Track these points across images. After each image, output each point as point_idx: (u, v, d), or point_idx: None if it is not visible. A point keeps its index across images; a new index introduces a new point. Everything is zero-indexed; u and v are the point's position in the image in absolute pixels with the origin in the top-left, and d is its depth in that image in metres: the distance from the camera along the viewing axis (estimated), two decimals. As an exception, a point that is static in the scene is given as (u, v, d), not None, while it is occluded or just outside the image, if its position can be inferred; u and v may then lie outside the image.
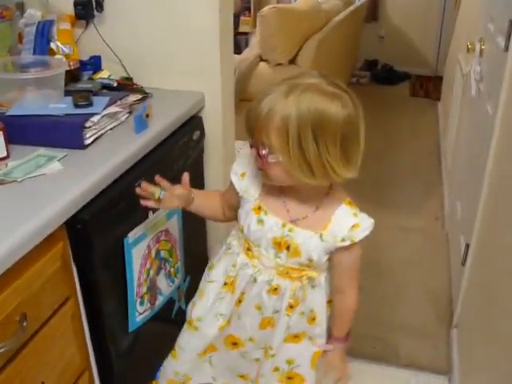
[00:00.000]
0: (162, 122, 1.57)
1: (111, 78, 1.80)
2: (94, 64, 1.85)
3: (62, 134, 1.39)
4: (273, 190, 1.27)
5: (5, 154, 1.34)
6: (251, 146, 1.17)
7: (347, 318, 1.41)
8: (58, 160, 1.33)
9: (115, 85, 1.75)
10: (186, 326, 1.49)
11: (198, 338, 1.45)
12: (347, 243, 1.23)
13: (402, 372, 2.12)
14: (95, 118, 1.42)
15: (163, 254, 1.56)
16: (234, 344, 1.43)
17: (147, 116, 1.53)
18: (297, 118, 1.07)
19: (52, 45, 1.74)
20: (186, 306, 1.64)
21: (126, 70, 1.86)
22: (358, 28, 5.24)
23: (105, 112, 1.47)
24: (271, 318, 1.35)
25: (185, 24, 1.75)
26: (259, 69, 3.62)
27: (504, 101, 1.85)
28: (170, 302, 1.67)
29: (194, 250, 1.83)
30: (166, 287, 1.60)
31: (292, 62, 3.61)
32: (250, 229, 1.27)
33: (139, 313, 1.47)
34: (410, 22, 5.78)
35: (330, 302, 1.40)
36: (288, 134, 1.08)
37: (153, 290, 1.53)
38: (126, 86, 1.78)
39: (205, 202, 1.44)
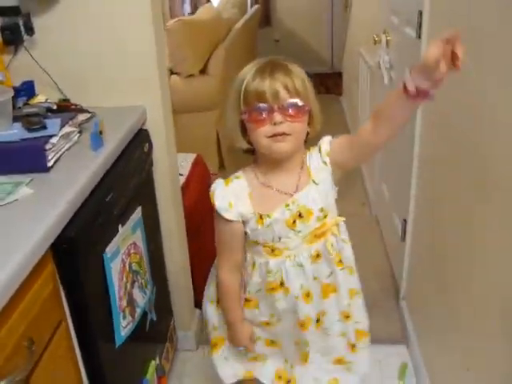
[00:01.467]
0: (114, 137, 1.58)
1: (49, 101, 1.78)
2: (28, 90, 1.81)
3: (23, 159, 1.37)
4: (263, 192, 1.37)
5: (-34, 185, 1.31)
6: (271, 111, 1.25)
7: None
8: (26, 185, 1.32)
9: (55, 107, 1.74)
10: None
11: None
12: (327, 159, 1.35)
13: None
14: (54, 140, 1.42)
15: (134, 266, 1.58)
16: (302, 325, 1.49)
17: (100, 133, 1.54)
18: (304, 76, 1.31)
19: (-16, 73, 1.70)
20: (156, 318, 1.68)
21: (61, 92, 1.84)
22: (254, 34, 5.38)
23: (61, 133, 1.46)
24: (328, 284, 1.44)
25: (120, 40, 1.76)
26: (172, 82, 3.64)
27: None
28: (143, 315, 1.68)
29: (155, 262, 1.85)
30: (140, 299, 1.62)
31: (203, 71, 3.67)
32: (266, 236, 1.37)
33: (123, 327, 1.47)
34: (302, 24, 6.04)
35: None
36: (306, 85, 1.29)
37: (131, 303, 1.53)
38: (66, 107, 1.76)
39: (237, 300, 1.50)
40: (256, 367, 1.62)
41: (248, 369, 1.62)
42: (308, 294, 1.44)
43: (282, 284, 1.41)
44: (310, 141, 1.40)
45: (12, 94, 1.52)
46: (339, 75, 5.29)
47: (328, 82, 5.67)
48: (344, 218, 1.44)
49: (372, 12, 3.40)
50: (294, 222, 1.35)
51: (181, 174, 2.32)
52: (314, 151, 1.40)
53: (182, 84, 3.59)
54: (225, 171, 3.90)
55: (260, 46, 5.85)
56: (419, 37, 2.01)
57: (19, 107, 1.69)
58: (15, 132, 1.46)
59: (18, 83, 1.80)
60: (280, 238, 1.37)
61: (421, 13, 1.98)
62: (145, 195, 1.80)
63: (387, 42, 2.65)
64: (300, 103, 1.27)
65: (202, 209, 2.40)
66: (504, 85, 1.29)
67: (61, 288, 1.24)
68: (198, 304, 2.31)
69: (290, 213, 1.34)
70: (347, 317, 1.52)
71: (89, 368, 1.36)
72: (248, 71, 1.30)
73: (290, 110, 1.26)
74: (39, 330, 1.11)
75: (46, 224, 1.14)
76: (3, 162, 1.38)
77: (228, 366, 1.62)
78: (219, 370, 1.62)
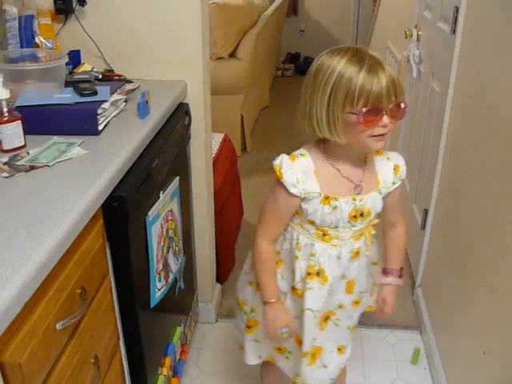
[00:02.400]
0: (159, 107, 1.64)
1: (94, 70, 1.84)
2: (74, 58, 1.88)
3: (76, 121, 1.44)
4: (330, 174, 1.37)
5: (23, 142, 1.37)
6: (382, 114, 1.22)
7: (403, 249, 1.59)
8: (79, 145, 1.38)
9: (100, 77, 1.80)
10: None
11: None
12: (398, 184, 1.42)
13: (378, 332, 2.30)
14: (105, 105, 1.48)
15: (170, 232, 1.64)
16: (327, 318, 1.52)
17: (147, 102, 1.60)
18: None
19: (36, 39, 1.76)
20: (184, 286, 1.73)
21: (106, 63, 1.91)
22: (281, 22, 5.43)
23: (111, 99, 1.53)
24: (353, 280, 1.48)
25: (167, 17, 1.82)
26: (200, 63, 3.69)
27: (454, 78, 2.06)
28: (174, 282, 1.75)
29: (185, 231, 1.92)
30: (173, 265, 1.68)
31: (232, 55, 3.73)
32: (325, 218, 1.37)
33: (158, 289, 1.54)
34: (328, 16, 6.08)
35: None
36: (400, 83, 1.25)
37: (166, 267, 1.60)
38: (110, 77, 1.83)
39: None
40: (280, 358, 1.63)
41: (272, 355, 1.65)
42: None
43: (318, 273, 1.43)
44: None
45: (66, 59, 1.59)
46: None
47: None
48: (378, 220, 1.49)
49: (401, 5, 3.43)
50: (355, 217, 1.39)
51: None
52: (384, 159, 1.42)
53: (211, 66, 3.64)
54: (247, 154, 3.96)
55: (285, 35, 5.91)
56: (453, 32, 2.06)
57: (68, 73, 1.76)
58: (68, 96, 1.52)
59: (65, 52, 1.87)
60: (337, 226, 1.39)
61: (457, 8, 2.03)
62: (182, 167, 1.86)
63: (418, 36, 2.70)
64: (403, 105, 1.26)
65: (227, 189, 2.47)
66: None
67: (107, 245, 1.31)
68: (219, 279, 2.39)
69: (354, 207, 1.37)
70: (357, 302, 1.56)
71: (125, 325, 1.43)
72: (347, 66, 1.22)
73: (396, 113, 1.25)
74: (90, 281, 1.18)
75: (99, 183, 1.20)
76: (58, 122, 1.45)
77: (255, 349, 1.63)
78: (246, 351, 1.63)
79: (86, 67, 1.86)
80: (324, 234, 1.41)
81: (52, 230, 1.00)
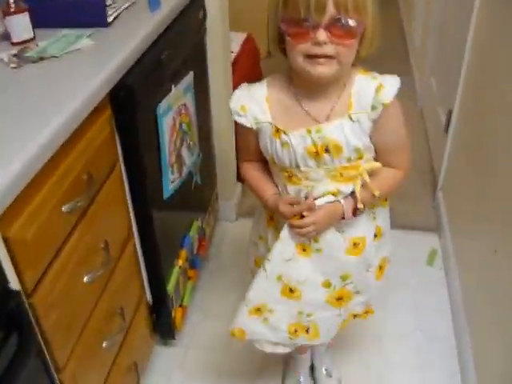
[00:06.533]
0: (171, 0, 1.62)
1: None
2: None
3: (85, 13, 1.43)
4: (286, 104, 1.19)
5: (32, 35, 1.38)
6: (316, 27, 1.03)
7: (384, 188, 1.25)
8: (87, 37, 1.38)
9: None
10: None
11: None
12: (380, 109, 1.13)
13: (397, 232, 2.30)
14: (114, -4, 1.47)
15: (184, 126, 1.66)
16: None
17: (158, -6, 1.58)
18: None
19: None
20: (201, 181, 1.71)
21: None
22: None
23: (121, -9, 1.51)
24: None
25: None
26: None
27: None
28: (189, 175, 1.78)
29: (203, 130, 1.93)
30: (188, 159, 1.71)
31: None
32: (279, 155, 1.20)
33: (171, 181, 1.57)
34: None
35: None
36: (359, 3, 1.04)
37: (179, 159, 1.63)
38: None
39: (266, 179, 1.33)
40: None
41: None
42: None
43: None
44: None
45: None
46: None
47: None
48: (381, 165, 1.21)
49: None
50: (317, 153, 1.16)
51: (231, 52, 2.35)
52: (367, 80, 1.16)
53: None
54: (272, 58, 3.88)
55: None
56: None
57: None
58: (77, -13, 1.50)
59: None
60: (298, 166, 1.19)
61: None
62: (197, 62, 1.85)
63: None
64: (352, 23, 1.03)
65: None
66: None
67: (116, 133, 1.34)
68: (239, 179, 2.42)
69: (311, 142, 1.15)
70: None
71: (139, 214, 1.48)
72: None
73: (338, 30, 1.03)
74: (97, 168, 1.21)
75: (105, 71, 1.21)
76: (67, 14, 1.44)
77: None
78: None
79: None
80: (290, 175, 1.23)
81: (54, 116, 1.02)
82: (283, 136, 1.17)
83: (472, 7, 2.03)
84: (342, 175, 1.20)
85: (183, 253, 1.76)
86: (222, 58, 2.02)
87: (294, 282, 1.31)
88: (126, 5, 1.55)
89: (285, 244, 1.27)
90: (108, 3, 1.44)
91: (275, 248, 1.28)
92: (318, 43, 1.04)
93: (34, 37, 1.38)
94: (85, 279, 1.18)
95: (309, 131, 1.15)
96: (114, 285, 1.36)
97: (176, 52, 1.56)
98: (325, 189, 1.21)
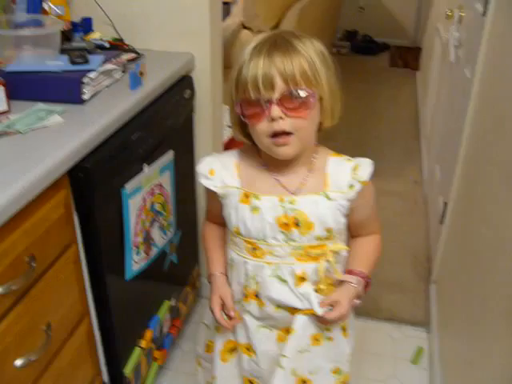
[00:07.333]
0: (154, 80, 1.62)
1: (104, 39, 1.84)
2: (85, 26, 1.88)
3: (61, 89, 1.44)
4: (256, 171, 1.19)
5: (6, 108, 1.38)
6: (269, 103, 1.04)
7: (372, 256, 1.28)
8: (58, 113, 1.38)
9: (107, 45, 1.79)
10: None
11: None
12: (357, 187, 1.14)
13: (384, 325, 2.23)
14: (92, 75, 1.47)
15: (157, 206, 1.63)
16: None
17: (141, 74, 1.58)
18: (316, 56, 1.06)
19: (44, 5, 1.77)
20: (177, 260, 1.70)
21: (116, 32, 1.90)
22: (338, -1, 5.28)
23: (101, 69, 1.52)
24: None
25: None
26: (242, 36, 3.65)
27: (481, 63, 1.94)
28: (162, 255, 1.74)
29: (185, 208, 1.90)
30: (159, 239, 1.67)
31: (274, 29, 3.65)
32: (247, 224, 1.15)
33: (135, 262, 1.53)
34: (390, -7, 5.86)
35: None
36: (316, 67, 1.05)
37: (147, 240, 1.60)
38: (117, 46, 1.82)
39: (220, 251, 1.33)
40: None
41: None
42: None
43: (257, 295, 1.22)
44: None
45: (61, 27, 1.59)
46: (420, 50, 5.12)
47: (407, 56, 5.51)
48: (348, 248, 1.23)
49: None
50: (287, 225, 1.13)
51: (229, 126, 2.34)
52: (342, 161, 1.18)
53: (251, 39, 3.59)
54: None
55: (343, 12, 5.75)
56: (484, 14, 1.93)
57: (70, 41, 1.76)
58: (60, 64, 1.52)
59: (78, 19, 1.87)
60: (266, 238, 1.15)
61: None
62: (181, 141, 1.84)
63: (460, 18, 2.55)
64: (303, 93, 1.03)
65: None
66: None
67: (75, 215, 1.31)
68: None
69: (284, 212, 1.13)
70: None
71: (96, 295, 1.44)
72: (245, 49, 1.08)
73: (291, 103, 1.03)
74: (43, 250, 1.18)
75: (64, 150, 1.20)
76: (44, 89, 1.45)
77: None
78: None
79: (95, 35, 1.86)
80: (254, 248, 1.18)
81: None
82: (254, 201, 1.15)
83: (468, 101, 2.00)
84: (307, 255, 1.17)
85: (148, 333, 1.70)
86: (211, 136, 2.01)
87: (306, 372, 1.26)
88: (108, 82, 1.56)
89: (299, 336, 1.22)
90: (85, 80, 1.45)
91: (290, 342, 1.22)
92: (273, 119, 1.04)
93: (9, 110, 1.39)
94: (17, 363, 1.13)
95: (281, 199, 1.14)
96: (59, 366, 1.30)
97: (151, 132, 1.55)
98: (290, 269, 1.17)
